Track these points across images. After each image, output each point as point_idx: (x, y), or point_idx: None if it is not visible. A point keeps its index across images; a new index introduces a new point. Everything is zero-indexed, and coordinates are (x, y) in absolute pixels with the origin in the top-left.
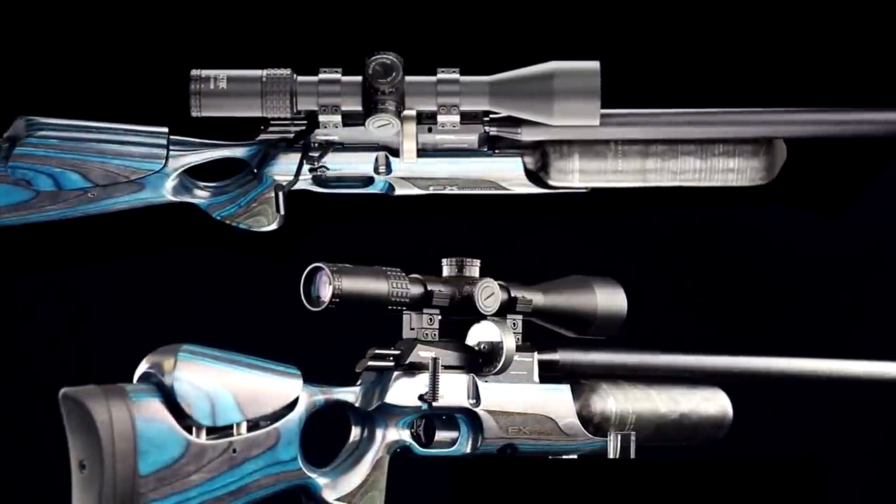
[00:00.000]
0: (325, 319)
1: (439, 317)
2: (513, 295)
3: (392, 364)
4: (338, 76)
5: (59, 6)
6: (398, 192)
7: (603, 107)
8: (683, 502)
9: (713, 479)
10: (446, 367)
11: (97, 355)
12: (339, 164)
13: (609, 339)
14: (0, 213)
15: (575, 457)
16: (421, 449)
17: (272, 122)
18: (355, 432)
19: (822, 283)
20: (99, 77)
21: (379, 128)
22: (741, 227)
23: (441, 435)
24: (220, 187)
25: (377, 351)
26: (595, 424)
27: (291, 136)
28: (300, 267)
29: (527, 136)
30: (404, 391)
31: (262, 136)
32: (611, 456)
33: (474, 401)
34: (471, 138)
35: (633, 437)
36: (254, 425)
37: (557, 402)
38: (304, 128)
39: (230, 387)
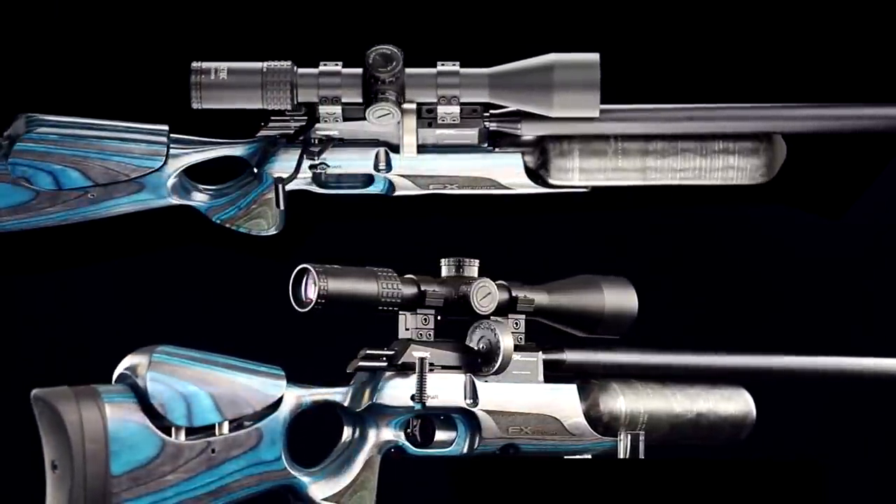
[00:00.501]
0: (325, 320)
1: (434, 317)
2: (514, 294)
3: (385, 364)
4: (338, 68)
5: (59, 4)
6: (398, 191)
7: (602, 103)
8: (683, 502)
9: (713, 479)
10: (442, 368)
11: (96, 355)
12: (339, 160)
13: (622, 339)
14: (0, 217)
15: (588, 457)
16: (415, 449)
17: (272, 118)
18: (347, 432)
19: (822, 283)
20: (99, 76)
21: (379, 118)
22: (741, 226)
23: (439, 435)
24: (220, 190)
25: (368, 351)
26: (604, 424)
27: (291, 131)
28: None
29: (527, 131)
30: (396, 391)
31: (262, 133)
32: (621, 456)
33: (471, 401)
34: (471, 133)
35: (641, 437)
36: (238, 426)
37: (562, 402)
38: (304, 123)
39: (208, 388)
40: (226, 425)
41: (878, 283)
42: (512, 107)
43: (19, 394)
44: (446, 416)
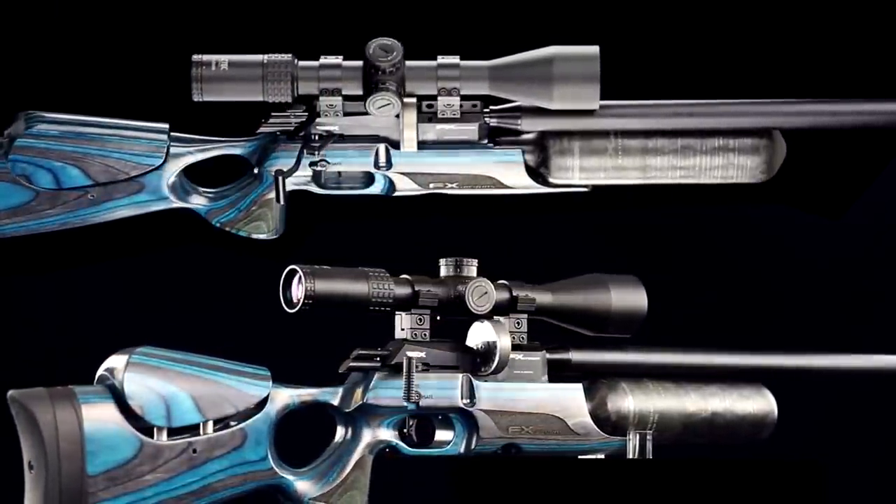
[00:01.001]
0: (325, 321)
1: (431, 317)
2: (514, 294)
3: (378, 364)
4: (338, 61)
5: (59, 2)
6: (398, 191)
7: (602, 99)
8: (683, 502)
9: (713, 479)
10: (439, 368)
11: (94, 356)
12: (339, 157)
13: (633, 338)
14: (0, 220)
15: (601, 456)
16: (410, 449)
17: (272, 114)
18: (339, 433)
19: (822, 282)
20: (99, 76)
21: (380, 108)
22: (742, 225)
23: (438, 435)
24: (220, 192)
25: (361, 352)
26: (613, 424)
27: (292, 128)
28: None
29: (527, 126)
30: (387, 391)
31: (263, 129)
32: (630, 456)
33: (468, 401)
34: (471, 128)
35: (648, 437)
36: (224, 426)
37: (567, 402)
38: (304, 119)
39: (188, 388)
40: (210, 425)
41: (879, 283)
42: (512, 99)
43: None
44: (444, 416)
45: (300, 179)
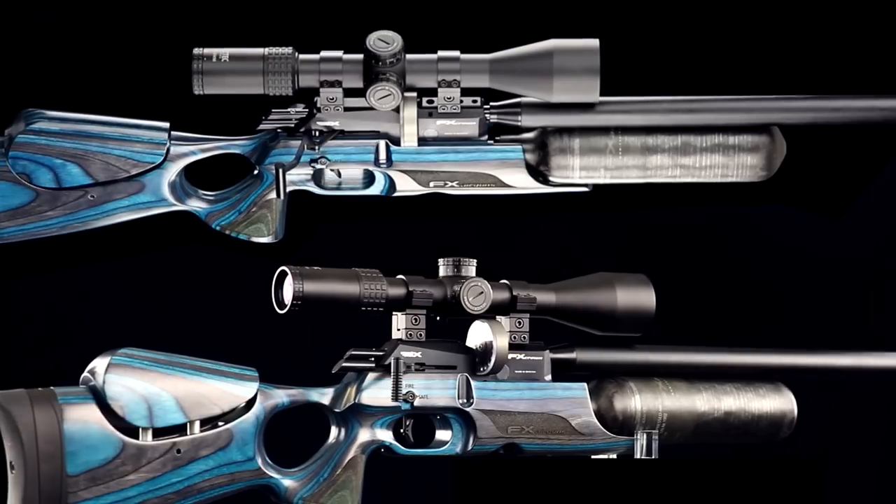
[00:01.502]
0: (326, 321)
1: (428, 317)
2: (514, 293)
3: (372, 365)
4: (339, 54)
5: (59, 2)
6: (398, 191)
7: (602, 95)
8: (684, 502)
9: (713, 479)
10: (436, 368)
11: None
12: (339, 154)
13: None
14: (0, 223)
15: (613, 456)
16: (404, 449)
17: (272, 111)
18: (333, 433)
19: (822, 282)
20: (99, 75)
21: (380, 99)
22: (742, 225)
23: (437, 435)
24: (220, 194)
25: (354, 352)
26: (620, 423)
27: (292, 124)
28: None
29: (527, 122)
30: (380, 392)
31: (263, 126)
32: (637, 456)
33: (465, 400)
34: (471, 124)
35: (654, 437)
36: (212, 426)
37: (570, 401)
38: (304, 115)
39: (171, 389)
40: (197, 426)
41: (880, 282)
42: (512, 92)
43: None
44: (442, 417)
45: (300, 177)
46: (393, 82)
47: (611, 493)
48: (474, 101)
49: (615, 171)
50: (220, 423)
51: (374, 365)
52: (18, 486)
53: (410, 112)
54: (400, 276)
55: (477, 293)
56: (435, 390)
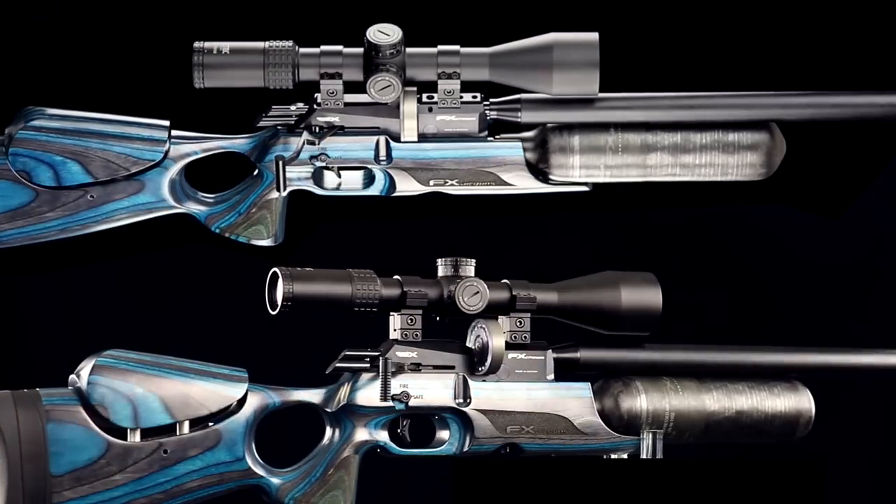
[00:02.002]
0: (326, 322)
1: (425, 317)
2: (514, 293)
3: (366, 365)
4: (339, 48)
5: (59, 2)
6: (399, 190)
7: (601, 91)
8: (683, 502)
9: (713, 479)
10: (433, 368)
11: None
12: (339, 150)
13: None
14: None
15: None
16: (400, 449)
17: (273, 107)
18: (327, 433)
19: (823, 281)
20: (99, 75)
21: (381, 90)
22: (742, 224)
23: (437, 435)
24: (219, 196)
25: (349, 352)
26: (625, 423)
27: (293, 121)
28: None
29: (527, 118)
30: (374, 392)
31: (263, 122)
32: (643, 456)
33: (462, 400)
34: (471, 119)
35: (659, 436)
36: (203, 427)
37: (572, 401)
38: (304, 112)
39: (157, 390)
40: (186, 426)
41: (881, 281)
42: (512, 85)
43: None
44: (441, 417)
45: (300, 174)
46: (393, 73)
47: (610, 493)
48: (474, 97)
49: (615, 169)
50: (210, 424)
51: (368, 365)
52: (2, 487)
53: (410, 107)
54: (396, 277)
55: (472, 293)
56: (431, 390)
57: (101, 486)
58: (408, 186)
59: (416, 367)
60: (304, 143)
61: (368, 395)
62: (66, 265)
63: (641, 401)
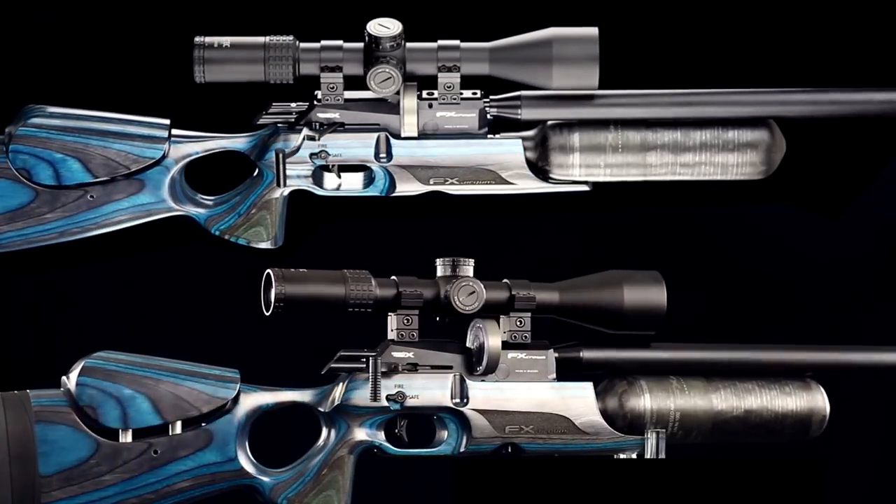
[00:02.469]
0: (324, 323)
1: (417, 317)
2: (513, 293)
3: (362, 366)
4: (339, 43)
5: (60, 2)
6: (399, 189)
7: (600, 87)
8: (683, 502)
9: (713, 479)
10: (431, 368)
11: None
12: (339, 147)
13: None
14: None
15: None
16: (395, 449)
17: (273, 104)
18: (323, 433)
19: (823, 281)
20: (100, 75)
21: (381, 83)
22: (741, 224)
23: (437, 435)
24: (219, 199)
25: (344, 353)
26: (628, 423)
27: (293, 118)
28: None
29: (527, 115)
30: (367, 392)
31: (263, 119)
32: (647, 455)
33: (459, 400)
34: (471, 116)
35: (662, 436)
36: (195, 427)
37: (574, 400)
38: (304, 109)
39: (146, 391)
40: (178, 426)
41: (880, 282)
42: (512, 80)
43: None
44: (438, 417)
45: (301, 172)
46: (393, 65)
47: (610, 493)
48: (474, 94)
49: (615, 168)
50: (203, 424)
51: (363, 366)
52: None
53: (410, 102)
54: (392, 278)
55: (468, 293)
56: (426, 390)
57: (91, 486)
58: (408, 185)
59: (413, 368)
60: (304, 139)
61: (362, 395)
62: (66, 266)
63: (645, 400)
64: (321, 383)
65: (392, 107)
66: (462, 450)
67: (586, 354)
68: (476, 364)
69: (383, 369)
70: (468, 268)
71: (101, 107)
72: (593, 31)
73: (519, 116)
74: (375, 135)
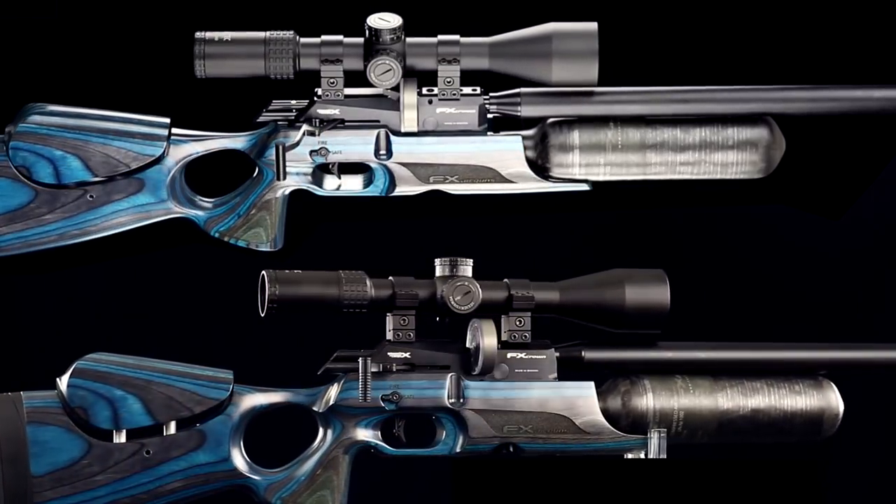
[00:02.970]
0: (325, 323)
1: (414, 317)
2: (512, 292)
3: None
4: (339, 38)
5: (59, 2)
6: (399, 188)
7: (600, 85)
8: (683, 502)
9: (713, 479)
10: (429, 368)
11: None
12: (339, 143)
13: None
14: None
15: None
16: (392, 449)
17: (273, 101)
18: (319, 434)
19: (823, 281)
20: (100, 75)
21: (381, 75)
22: (741, 224)
23: (436, 435)
24: (219, 200)
25: (341, 353)
26: (631, 422)
27: (293, 116)
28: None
29: (527, 112)
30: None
31: (263, 117)
32: (651, 455)
33: (456, 400)
34: (470, 112)
35: (663, 435)
36: (188, 428)
37: (574, 400)
38: (304, 106)
39: (137, 392)
40: (172, 427)
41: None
42: (512, 74)
43: None
44: (436, 417)
45: (301, 169)
46: (393, 58)
47: (610, 493)
48: (473, 90)
49: (615, 167)
50: (197, 425)
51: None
52: None
53: (410, 97)
54: (389, 278)
55: (463, 293)
56: (422, 390)
57: (83, 486)
58: (407, 184)
59: (410, 368)
60: (304, 134)
61: (357, 395)
62: (65, 267)
63: (648, 399)
64: (320, 384)
65: (392, 103)
66: (459, 450)
67: (588, 354)
68: (473, 364)
69: (379, 369)
70: (467, 268)
71: (101, 106)
72: (593, 25)
73: (518, 113)
74: (375, 132)
